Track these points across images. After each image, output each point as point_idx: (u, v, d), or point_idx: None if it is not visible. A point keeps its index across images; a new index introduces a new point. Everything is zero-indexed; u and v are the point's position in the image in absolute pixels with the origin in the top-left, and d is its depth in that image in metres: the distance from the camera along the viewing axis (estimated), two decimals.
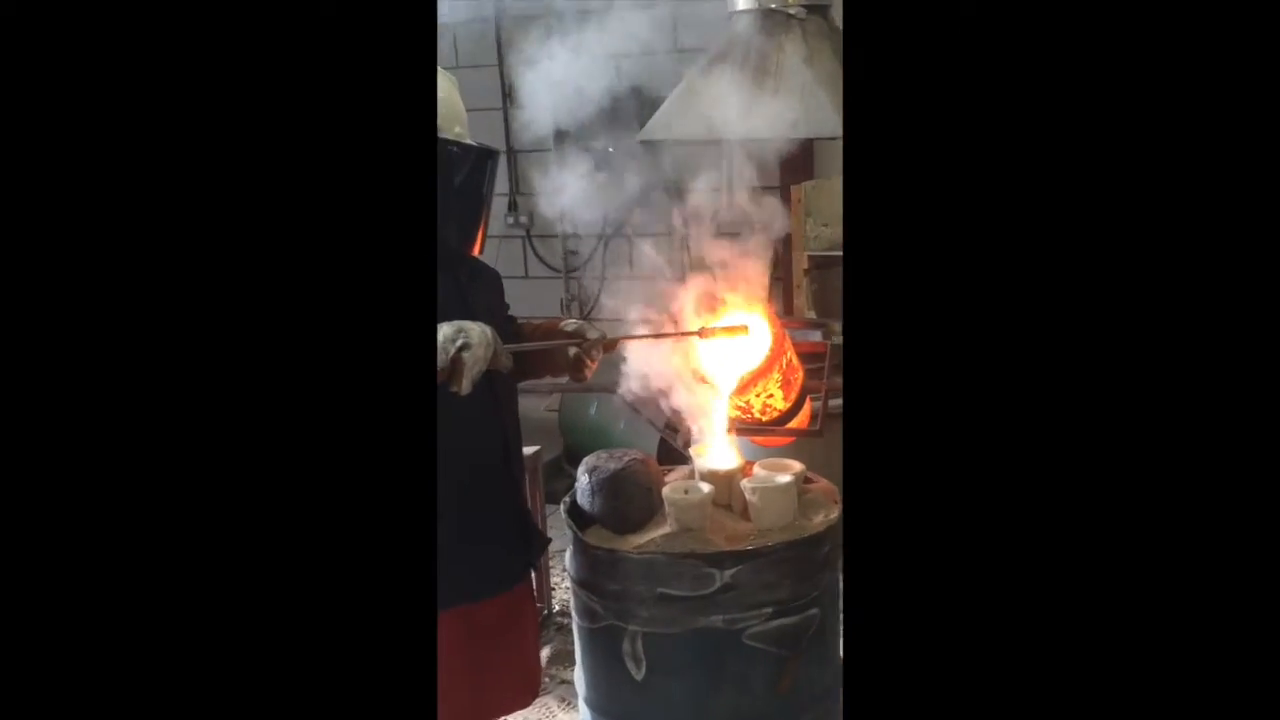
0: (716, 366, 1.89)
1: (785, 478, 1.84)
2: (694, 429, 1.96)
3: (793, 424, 2.01)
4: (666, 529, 1.79)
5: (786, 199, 3.90)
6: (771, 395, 1.91)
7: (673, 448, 3.16)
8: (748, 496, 1.82)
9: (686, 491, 1.81)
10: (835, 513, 1.86)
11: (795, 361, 1.97)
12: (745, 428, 2.00)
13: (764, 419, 1.96)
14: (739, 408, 1.93)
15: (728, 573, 1.69)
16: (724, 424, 1.92)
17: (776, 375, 1.88)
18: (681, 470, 2.04)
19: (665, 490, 1.82)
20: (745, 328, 1.84)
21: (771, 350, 1.86)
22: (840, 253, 3.88)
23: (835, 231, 3.77)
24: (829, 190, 3.89)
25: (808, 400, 2.07)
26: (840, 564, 1.83)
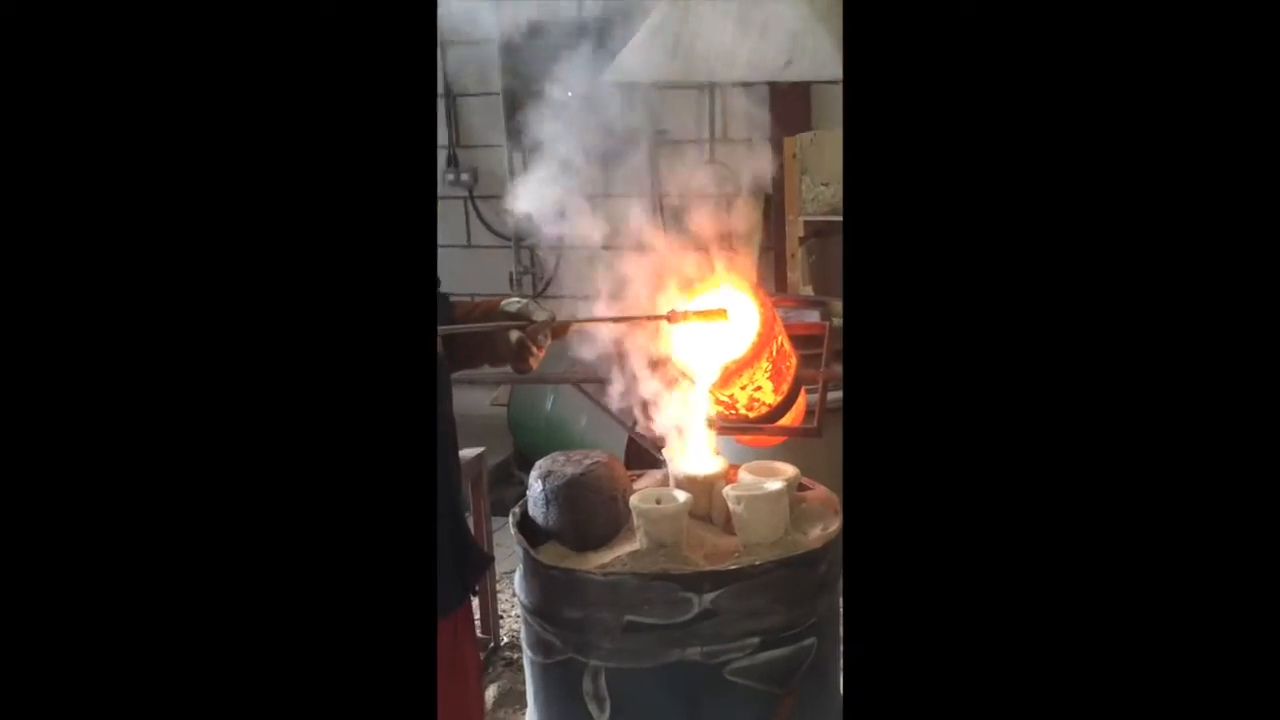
0: (693, 354, 1.89)
1: (776, 484, 1.85)
2: (668, 427, 1.96)
3: (784, 421, 2.01)
4: (635, 545, 1.80)
5: (779, 153, 3.90)
6: (759, 387, 1.91)
7: (644, 449, 3.17)
8: (731, 506, 1.82)
9: (659, 501, 1.82)
10: (835, 525, 1.87)
11: (788, 347, 1.98)
12: (729, 426, 2.00)
13: (751, 415, 1.97)
14: (721, 402, 1.93)
15: (708, 597, 1.70)
16: (703, 422, 1.93)
17: (765, 364, 1.88)
18: (653, 476, 2.04)
19: (634, 499, 1.82)
20: (724, 311, 1.84)
21: (759, 335, 1.86)
22: (842, 218, 3.90)
23: (836, 192, 3.78)
24: (829, 143, 3.90)
25: (802, 393, 2.07)
26: (840, 586, 1.84)
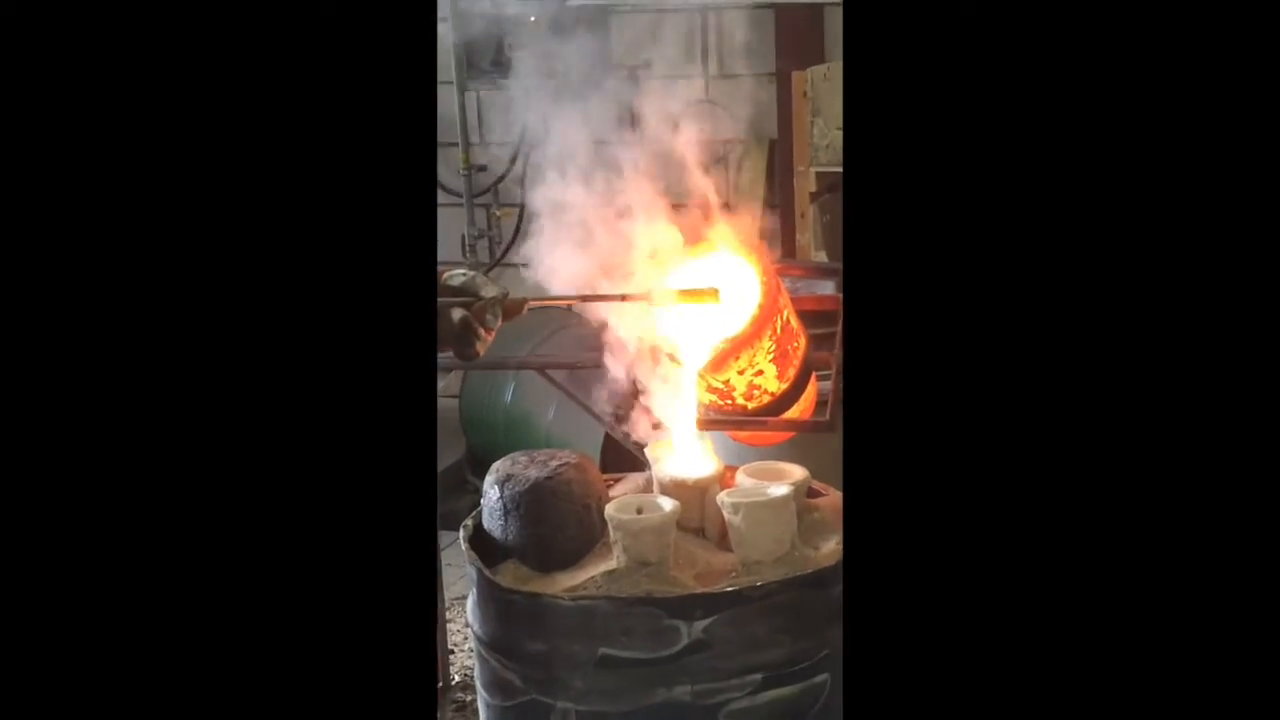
0: (681, 332, 1.90)
1: (780, 489, 1.85)
2: (653, 421, 1.97)
3: (790, 413, 2.02)
4: (611, 564, 1.80)
5: (786, 89, 3.91)
6: (761, 372, 1.92)
7: (623, 448, 3.18)
8: (727, 516, 1.82)
9: (640, 510, 1.82)
10: None
11: (795, 325, 1.98)
12: (724, 419, 2.00)
13: (750, 406, 1.97)
14: (715, 390, 1.94)
15: (699, 625, 1.71)
16: (693, 414, 1.93)
17: (768, 344, 1.89)
18: (634, 480, 2.04)
19: (610, 508, 1.83)
20: (715, 291, 1.84)
21: (760, 308, 1.86)
22: None
23: None
24: None
25: (813, 379, 2.08)
26: None
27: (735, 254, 1.92)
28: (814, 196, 3.91)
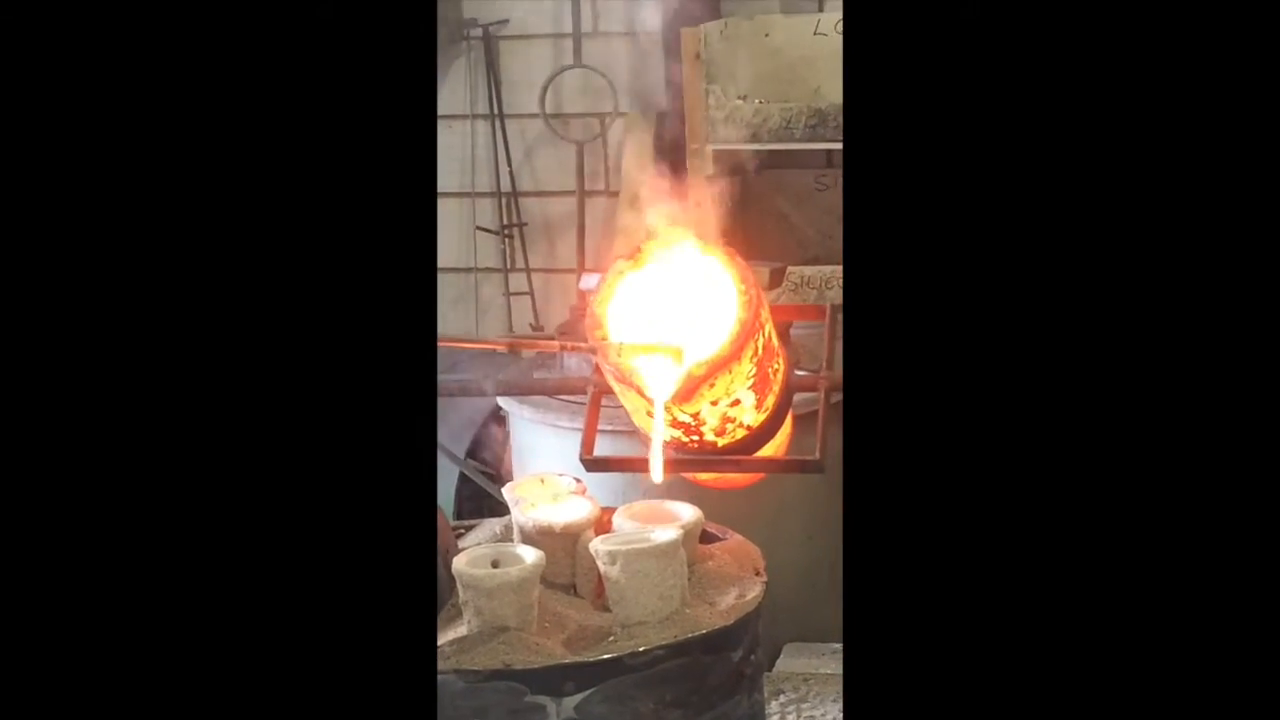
0: (638, 348, 1.82)
1: (667, 534, 1.86)
2: (508, 456, 1.96)
3: (769, 449, 1.98)
4: (461, 630, 1.81)
5: (676, 53, 3.93)
6: (738, 402, 1.86)
7: (482, 489, 3.16)
8: (603, 567, 1.83)
9: (496, 563, 1.83)
10: (755, 591, 1.90)
11: (776, 343, 1.93)
12: (688, 459, 1.95)
13: (721, 443, 1.92)
14: (681, 425, 1.89)
15: (570, 702, 1.72)
16: (658, 453, 1.86)
17: (748, 366, 1.83)
18: (489, 527, 2.06)
19: (458, 562, 1.83)
20: (679, 350, 1.79)
21: (741, 324, 1.80)
22: (778, 146, 3.89)
23: (761, 110, 3.81)
24: (749, 37, 3.94)
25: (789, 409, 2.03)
26: (763, 679, 1.87)
27: (703, 252, 1.87)
28: (711, 181, 3.92)
